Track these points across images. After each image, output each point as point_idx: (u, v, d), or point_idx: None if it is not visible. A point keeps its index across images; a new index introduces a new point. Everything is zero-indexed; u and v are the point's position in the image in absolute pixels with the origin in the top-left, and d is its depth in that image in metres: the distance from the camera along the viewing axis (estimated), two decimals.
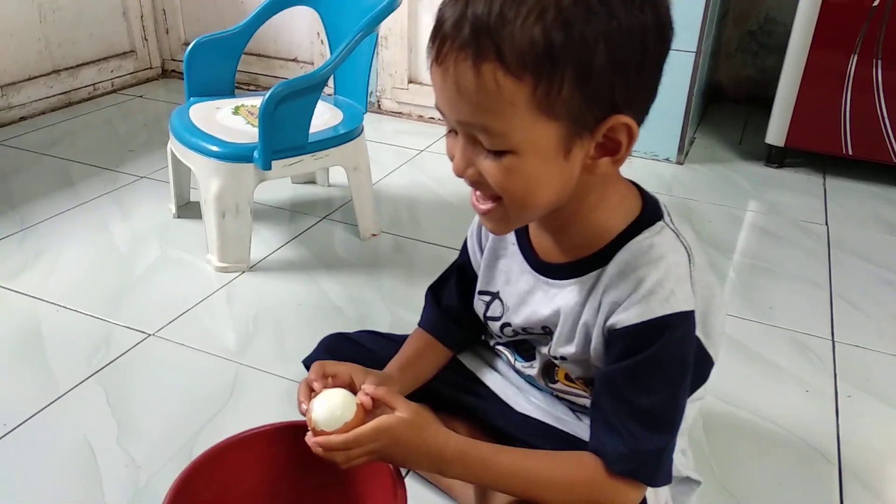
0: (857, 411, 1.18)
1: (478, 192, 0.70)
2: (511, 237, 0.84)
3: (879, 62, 1.88)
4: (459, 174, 0.68)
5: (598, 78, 0.61)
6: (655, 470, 0.73)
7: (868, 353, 1.32)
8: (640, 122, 0.66)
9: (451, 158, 0.69)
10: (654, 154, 2.15)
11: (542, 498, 0.74)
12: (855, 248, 1.69)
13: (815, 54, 1.94)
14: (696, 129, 2.39)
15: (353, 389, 0.78)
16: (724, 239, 1.72)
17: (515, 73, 0.59)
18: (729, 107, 2.66)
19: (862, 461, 1.08)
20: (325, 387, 0.78)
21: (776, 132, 2.06)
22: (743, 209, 1.90)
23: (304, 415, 0.76)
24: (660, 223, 0.74)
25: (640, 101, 0.66)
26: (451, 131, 0.69)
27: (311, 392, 0.78)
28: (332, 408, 0.73)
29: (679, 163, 2.14)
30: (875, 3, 1.84)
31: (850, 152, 2.00)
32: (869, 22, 1.86)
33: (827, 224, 1.81)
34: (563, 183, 0.68)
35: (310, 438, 0.74)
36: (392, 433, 0.72)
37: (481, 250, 0.89)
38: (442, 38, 0.62)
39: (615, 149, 0.66)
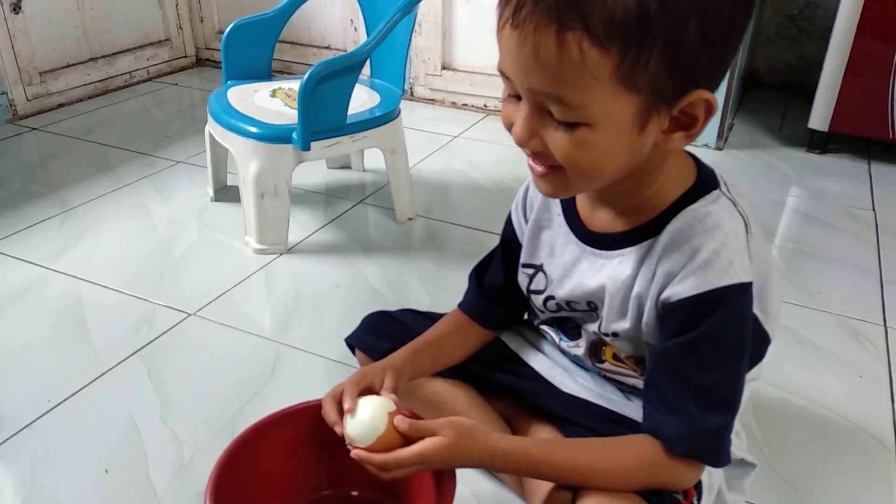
0: None
1: (534, 158, 0.68)
2: (556, 207, 0.82)
3: None
4: (522, 144, 0.65)
5: (687, 51, 0.58)
6: (717, 450, 0.71)
7: None
8: (715, 90, 0.64)
9: (509, 126, 0.67)
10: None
11: (601, 487, 0.72)
12: None
13: (861, 41, 1.89)
14: (735, 115, 2.34)
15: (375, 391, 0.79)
16: (767, 224, 1.68)
17: (603, 44, 0.56)
18: (766, 93, 2.61)
19: None
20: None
21: (820, 117, 2.01)
22: (786, 195, 1.85)
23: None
24: (716, 191, 0.72)
25: (718, 73, 0.63)
26: (512, 97, 0.66)
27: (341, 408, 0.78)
28: (361, 423, 0.73)
29: (719, 149, 2.10)
30: None
31: None
32: None
33: (874, 210, 1.76)
34: (633, 157, 0.65)
35: (360, 453, 0.74)
36: (435, 457, 0.71)
37: (526, 221, 0.87)
38: (520, 1, 0.58)
39: (690, 123, 0.64)
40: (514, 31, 0.59)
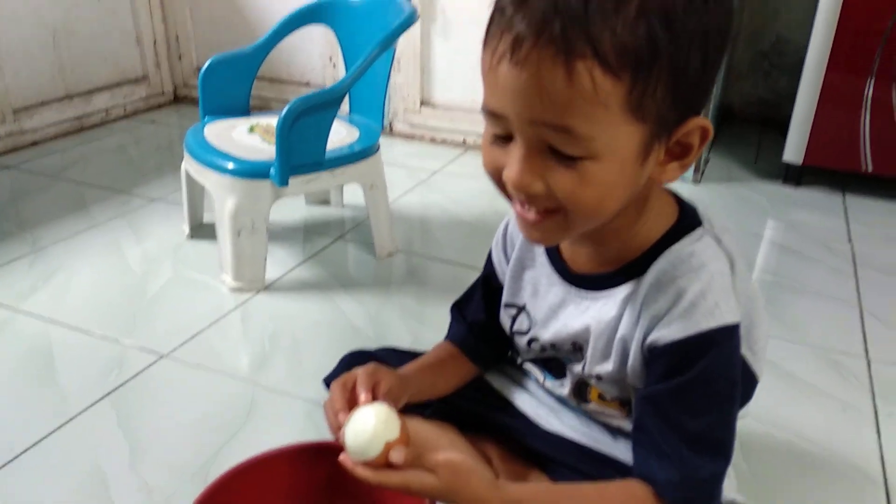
0: None
1: (526, 205, 0.64)
2: (539, 248, 0.81)
3: None
4: (522, 188, 0.61)
5: (690, 78, 0.58)
6: (710, 498, 0.69)
7: None
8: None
9: (494, 172, 0.64)
10: None
11: None
12: (882, 266, 1.65)
13: (832, 76, 1.92)
14: (711, 149, 2.37)
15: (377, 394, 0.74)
16: (746, 257, 1.68)
17: (615, 71, 0.54)
18: (741, 128, 2.65)
19: None
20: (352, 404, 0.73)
21: (794, 150, 2.04)
22: (763, 227, 1.86)
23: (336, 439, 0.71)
24: (699, 230, 0.70)
25: (706, 101, 0.63)
26: (500, 138, 0.62)
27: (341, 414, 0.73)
28: (359, 433, 0.66)
29: (696, 182, 2.11)
30: (890, 24, 1.82)
31: (871, 169, 1.97)
32: (884, 45, 1.85)
33: (850, 241, 1.77)
34: (633, 191, 0.63)
35: (347, 461, 0.67)
36: (420, 492, 0.66)
37: (507, 260, 0.85)
38: (520, 34, 0.55)
39: (683, 153, 0.63)
40: (515, 67, 0.56)
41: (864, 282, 1.58)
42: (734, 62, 2.62)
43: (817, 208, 1.98)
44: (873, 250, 1.73)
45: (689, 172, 2.10)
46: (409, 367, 0.86)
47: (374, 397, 0.73)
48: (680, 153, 0.63)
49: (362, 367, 0.77)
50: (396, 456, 0.65)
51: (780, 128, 2.09)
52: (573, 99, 0.55)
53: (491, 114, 0.61)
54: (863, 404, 1.19)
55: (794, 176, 2.10)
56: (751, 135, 2.57)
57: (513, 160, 0.61)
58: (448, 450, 0.78)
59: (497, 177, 0.64)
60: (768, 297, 1.51)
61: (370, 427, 0.65)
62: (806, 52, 1.96)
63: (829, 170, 2.07)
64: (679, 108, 0.59)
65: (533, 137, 0.59)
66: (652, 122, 0.58)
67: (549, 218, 0.63)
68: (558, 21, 0.54)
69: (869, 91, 1.90)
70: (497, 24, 0.58)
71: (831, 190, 2.10)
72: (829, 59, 1.91)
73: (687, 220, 0.71)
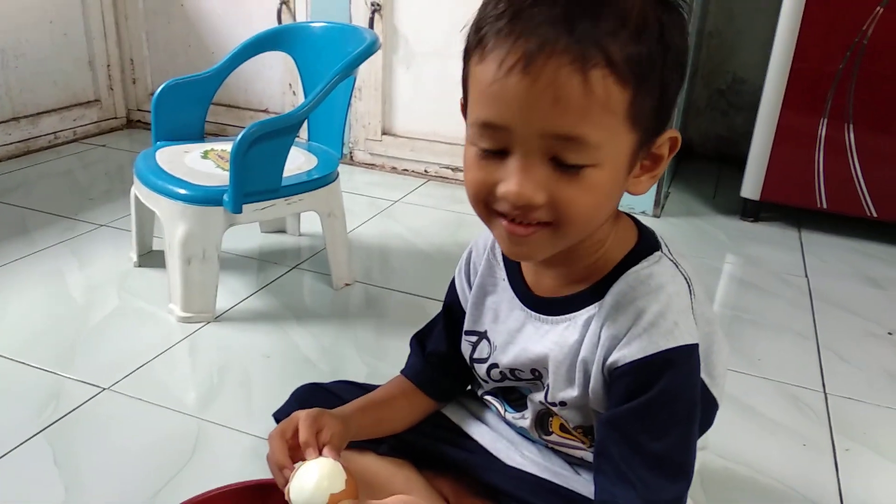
0: (856, 465, 1.12)
1: (516, 220, 0.63)
2: (501, 272, 0.80)
3: (851, 126, 1.90)
4: (525, 200, 0.60)
5: (671, 93, 0.62)
6: None
7: (861, 406, 1.28)
8: None
9: (483, 188, 0.62)
10: (630, 207, 2.13)
11: None
12: (837, 301, 1.67)
13: (786, 115, 1.97)
14: (671, 183, 2.40)
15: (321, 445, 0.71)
16: (705, 289, 1.69)
17: (624, 79, 0.57)
18: (699, 163, 2.69)
19: None
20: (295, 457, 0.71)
21: (751, 186, 2.07)
22: (722, 261, 1.88)
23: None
24: (657, 253, 0.71)
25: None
26: (490, 153, 0.61)
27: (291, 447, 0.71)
28: (304, 489, 0.65)
29: (656, 216, 2.12)
30: (841, 66, 1.87)
31: (825, 206, 2.01)
32: (836, 86, 1.90)
33: (807, 276, 1.79)
34: (616, 202, 0.66)
35: None
36: None
37: (470, 286, 0.84)
38: (533, 45, 0.56)
39: (653, 165, 0.65)
40: (527, 77, 0.56)
41: (820, 315, 1.59)
42: (693, 99, 2.67)
43: (775, 243, 2.00)
44: (829, 284, 1.75)
45: (651, 206, 2.11)
46: (353, 405, 0.83)
47: (318, 443, 0.71)
48: (650, 165, 0.65)
49: (304, 413, 0.74)
50: None
51: (738, 164, 2.12)
52: (588, 107, 0.57)
53: (489, 127, 0.60)
54: (821, 439, 1.18)
55: (752, 211, 2.13)
56: (709, 171, 2.61)
57: (511, 173, 0.60)
58: (399, 491, 0.75)
59: (485, 193, 0.63)
60: (728, 330, 1.51)
61: (313, 483, 0.65)
62: (762, 92, 2.00)
63: (785, 206, 2.10)
64: (660, 120, 0.62)
65: (536, 149, 0.59)
66: (641, 132, 0.61)
67: (540, 231, 0.63)
68: (572, 33, 0.56)
69: (822, 130, 1.94)
70: (498, 35, 0.58)
71: (788, 225, 2.13)
72: (784, 100, 1.95)
73: (646, 243, 0.72)
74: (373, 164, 2.43)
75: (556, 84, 0.56)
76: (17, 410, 1.13)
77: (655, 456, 0.66)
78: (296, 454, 0.71)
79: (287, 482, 0.68)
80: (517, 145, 0.60)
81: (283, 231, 1.85)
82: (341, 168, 1.56)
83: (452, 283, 0.87)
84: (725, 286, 1.75)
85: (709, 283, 1.73)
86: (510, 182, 0.60)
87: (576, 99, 0.56)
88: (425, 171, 2.37)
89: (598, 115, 0.57)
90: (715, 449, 1.12)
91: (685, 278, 0.70)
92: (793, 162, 2.00)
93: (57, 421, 1.11)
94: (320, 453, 0.70)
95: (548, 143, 0.59)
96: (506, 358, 0.78)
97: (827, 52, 1.88)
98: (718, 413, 0.78)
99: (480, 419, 0.90)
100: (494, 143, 0.61)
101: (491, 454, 0.85)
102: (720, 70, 2.64)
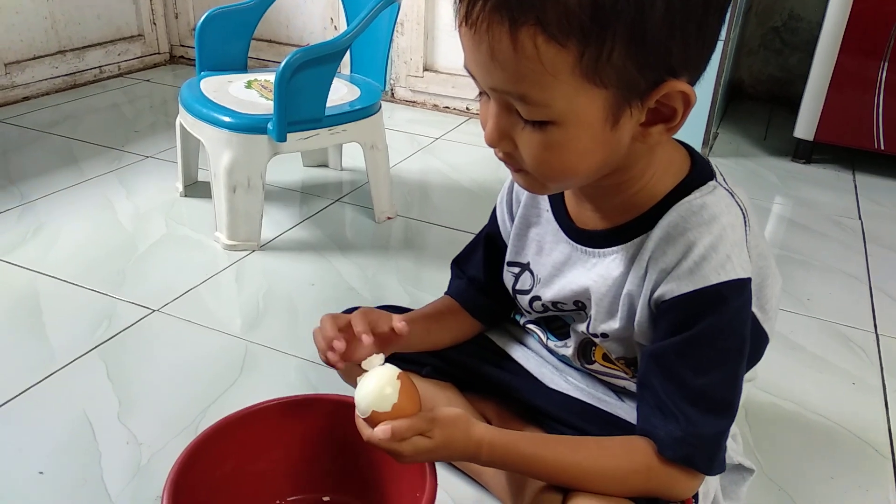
0: None
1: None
2: (545, 203, 0.78)
3: None
4: (493, 145, 0.62)
5: (654, 39, 0.54)
6: (712, 457, 0.66)
7: None
8: (697, 79, 0.60)
9: (484, 125, 0.63)
10: None
11: (592, 489, 0.67)
12: (892, 243, 1.62)
13: (845, 57, 1.88)
14: (720, 124, 2.33)
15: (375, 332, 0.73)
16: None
17: (558, 39, 0.53)
18: (750, 104, 2.60)
19: None
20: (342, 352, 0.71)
21: (805, 126, 2.00)
22: (771, 202, 1.83)
23: (326, 362, 0.72)
24: (712, 182, 0.67)
25: (698, 59, 0.59)
26: (483, 94, 0.62)
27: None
28: (369, 394, 0.66)
29: (704, 155, 2.07)
30: None
31: (883, 147, 1.93)
32: None
33: (861, 219, 1.74)
34: (609, 154, 0.61)
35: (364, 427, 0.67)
36: (413, 457, 0.66)
37: (511, 218, 0.82)
38: None
39: (670, 115, 0.59)
40: (469, 31, 0.56)
41: (873, 258, 1.54)
42: (745, 38, 2.56)
43: (827, 185, 1.94)
44: (883, 227, 1.70)
45: (699, 145, 2.05)
46: (402, 315, 0.83)
47: (374, 335, 0.72)
48: (667, 115, 0.59)
49: (357, 310, 0.75)
50: (381, 431, 0.64)
51: (790, 106, 2.05)
52: (520, 66, 0.54)
53: (468, 71, 0.61)
54: (872, 378, 1.16)
55: (804, 152, 2.06)
56: (760, 112, 2.53)
57: (489, 118, 0.61)
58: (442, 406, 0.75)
59: None
60: (779, 270, 1.48)
61: (377, 388, 0.65)
62: (819, 30, 1.91)
63: (839, 147, 2.03)
64: (648, 72, 0.56)
65: (499, 99, 0.59)
66: (616, 87, 0.56)
67: (521, 174, 0.64)
68: None
69: (883, 73, 1.86)
70: None
71: (841, 167, 2.06)
72: (843, 41, 1.87)
73: (699, 173, 0.68)
74: (414, 102, 2.40)
75: (490, 41, 0.54)
76: (72, 329, 1.16)
77: (699, 391, 0.64)
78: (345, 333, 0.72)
79: (331, 345, 0.70)
80: (487, 91, 0.60)
81: (325, 165, 1.85)
82: (382, 105, 1.55)
83: (494, 213, 0.86)
84: (774, 227, 1.70)
85: (759, 223, 1.69)
86: (488, 126, 0.62)
87: (508, 58, 0.54)
88: (466, 108, 2.33)
89: (535, 75, 0.54)
90: (762, 384, 1.10)
91: (741, 209, 0.67)
92: (850, 103, 1.92)
93: (110, 339, 1.14)
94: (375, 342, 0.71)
95: (502, 96, 0.59)
96: (549, 292, 0.77)
97: None
98: (766, 349, 0.76)
99: (524, 345, 0.89)
100: (478, 87, 0.62)
101: (535, 378, 0.85)
102: (775, 6, 2.52)
